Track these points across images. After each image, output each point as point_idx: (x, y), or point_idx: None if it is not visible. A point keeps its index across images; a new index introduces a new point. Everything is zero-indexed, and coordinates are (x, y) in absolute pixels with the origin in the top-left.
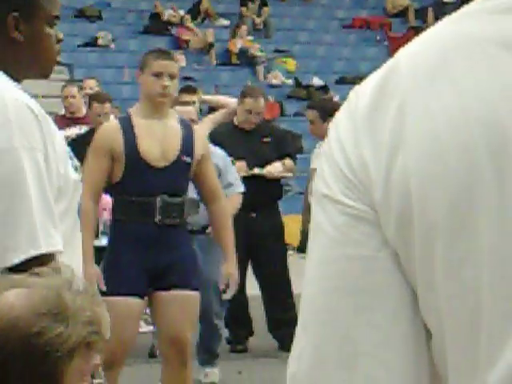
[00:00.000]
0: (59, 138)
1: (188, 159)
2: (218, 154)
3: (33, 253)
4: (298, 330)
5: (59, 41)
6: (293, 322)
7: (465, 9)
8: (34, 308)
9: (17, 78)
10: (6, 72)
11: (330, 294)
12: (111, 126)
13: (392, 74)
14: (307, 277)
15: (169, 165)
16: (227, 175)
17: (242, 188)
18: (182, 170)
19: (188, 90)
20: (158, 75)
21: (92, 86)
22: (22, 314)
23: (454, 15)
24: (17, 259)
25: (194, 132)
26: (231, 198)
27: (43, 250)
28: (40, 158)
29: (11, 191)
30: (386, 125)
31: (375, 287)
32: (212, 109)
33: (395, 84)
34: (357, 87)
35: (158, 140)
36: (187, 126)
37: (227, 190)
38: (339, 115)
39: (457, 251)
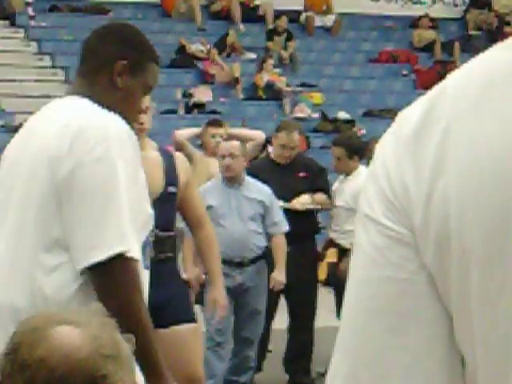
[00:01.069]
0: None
1: (173, 189)
2: (265, 192)
3: (118, 250)
4: (335, 348)
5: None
6: (306, 358)
7: None
8: (99, 350)
9: None
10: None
11: (364, 315)
12: None
13: (439, 99)
14: (346, 296)
15: (156, 198)
16: (272, 214)
17: (286, 227)
18: (170, 201)
19: (214, 123)
20: None
21: None
22: (90, 356)
23: (508, 40)
24: (102, 256)
25: (175, 160)
26: (276, 239)
27: (128, 250)
28: (130, 172)
29: (106, 194)
30: (429, 149)
31: (410, 310)
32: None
33: (441, 109)
34: (404, 111)
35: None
36: (168, 155)
37: (272, 229)
38: (386, 138)
39: (493, 279)
